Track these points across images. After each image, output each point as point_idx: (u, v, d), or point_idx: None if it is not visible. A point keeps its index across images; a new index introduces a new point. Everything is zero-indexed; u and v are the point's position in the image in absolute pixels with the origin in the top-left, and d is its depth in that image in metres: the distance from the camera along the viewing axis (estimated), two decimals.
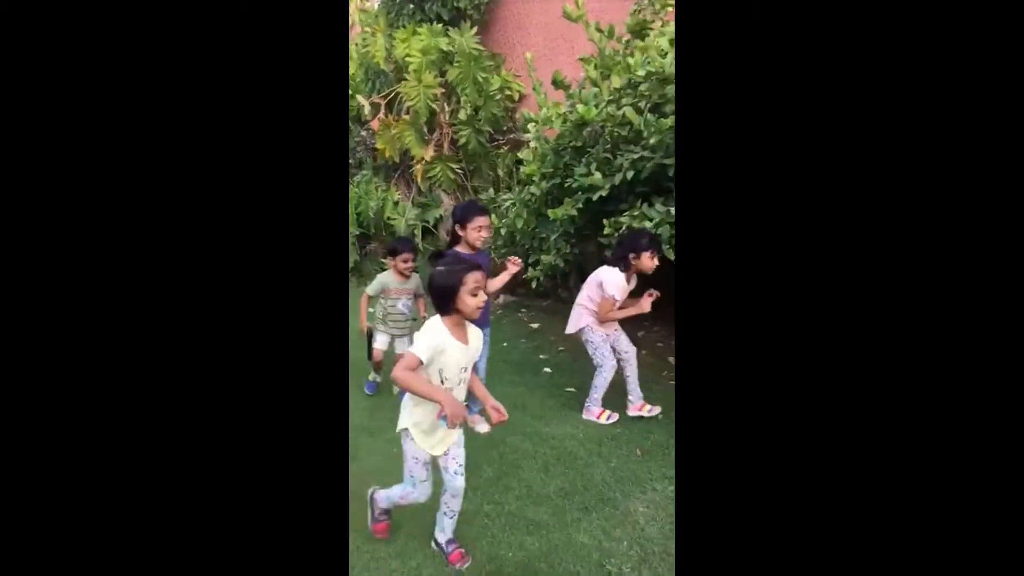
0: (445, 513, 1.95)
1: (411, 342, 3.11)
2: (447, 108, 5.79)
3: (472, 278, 1.73)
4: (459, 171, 5.71)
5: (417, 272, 3.35)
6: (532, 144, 3.60)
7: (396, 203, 5.85)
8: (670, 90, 2.77)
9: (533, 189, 3.62)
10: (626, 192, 3.45)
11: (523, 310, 5.12)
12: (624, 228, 3.10)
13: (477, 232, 2.63)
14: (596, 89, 3.16)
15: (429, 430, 1.83)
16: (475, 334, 1.85)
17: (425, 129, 5.71)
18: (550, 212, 3.33)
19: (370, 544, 2.05)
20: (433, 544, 1.99)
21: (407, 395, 1.82)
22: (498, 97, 5.55)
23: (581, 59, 3.46)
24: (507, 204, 3.86)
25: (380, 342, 3.34)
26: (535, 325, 4.69)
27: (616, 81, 2.99)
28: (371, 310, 3.41)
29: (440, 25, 5.57)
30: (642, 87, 2.97)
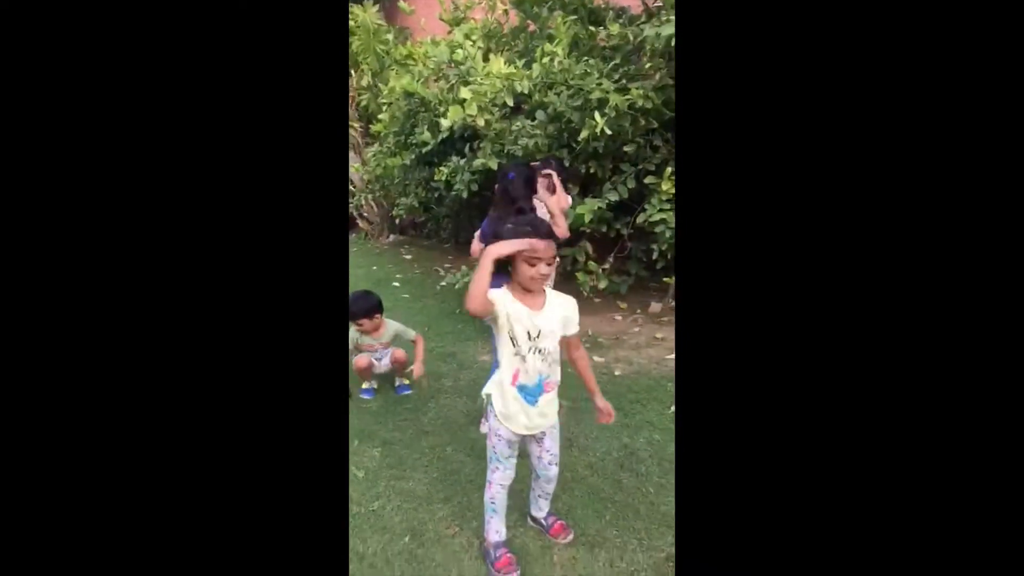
0: (540, 496, 1.92)
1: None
2: (352, 75, 6.76)
3: (537, 245, 1.57)
4: (359, 129, 6.71)
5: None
6: (385, 108, 4.67)
7: None
8: (457, 72, 3.85)
9: (385, 144, 4.70)
10: (449, 148, 4.56)
11: (405, 246, 6.24)
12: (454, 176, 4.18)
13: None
14: (421, 67, 4.22)
15: (505, 404, 1.69)
16: (557, 304, 1.70)
17: None
18: (388, 160, 4.41)
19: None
20: (530, 521, 1.97)
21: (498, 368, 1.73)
22: (393, 67, 6.53)
23: (421, 42, 4.50)
24: (370, 155, 4.92)
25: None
26: (408, 256, 5.83)
27: (431, 63, 4.06)
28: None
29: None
30: (450, 70, 4.05)
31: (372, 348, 2.91)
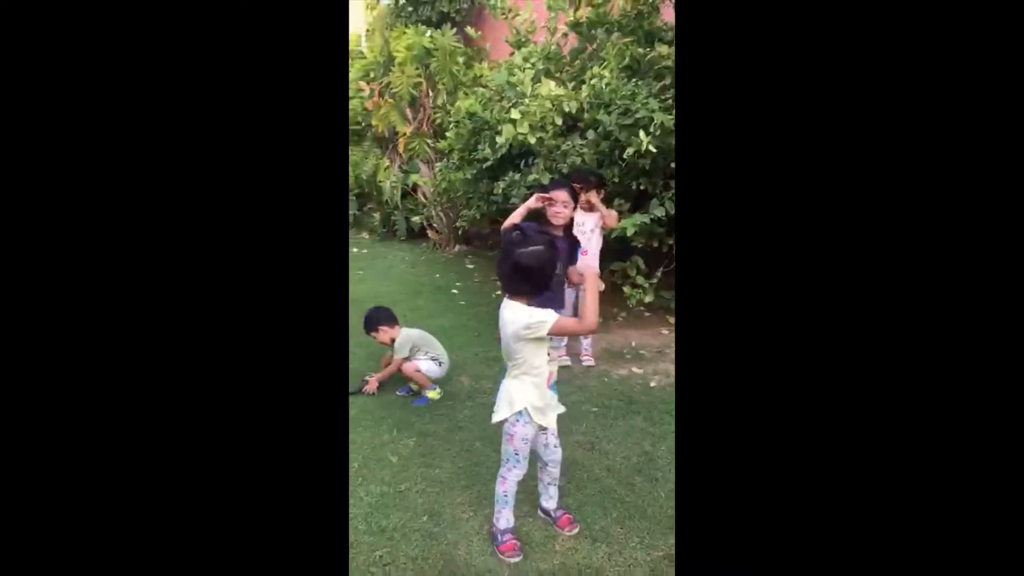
0: (549, 484, 2.04)
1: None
2: (430, 94, 7.17)
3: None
4: (431, 145, 7.09)
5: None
6: (452, 126, 4.97)
7: (386, 168, 7.31)
8: (515, 94, 4.08)
9: (451, 160, 4.99)
10: (508, 164, 4.77)
11: (470, 256, 6.52)
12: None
13: (554, 208, 2.59)
14: (483, 89, 4.48)
15: (543, 406, 1.85)
16: None
17: (409, 111, 7.11)
18: (451, 175, 4.69)
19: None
20: (540, 512, 2.08)
21: (513, 380, 1.85)
22: (463, 88, 6.88)
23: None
24: (437, 169, 5.24)
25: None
26: (470, 266, 6.09)
27: (492, 85, 4.31)
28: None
29: (423, 26, 6.94)
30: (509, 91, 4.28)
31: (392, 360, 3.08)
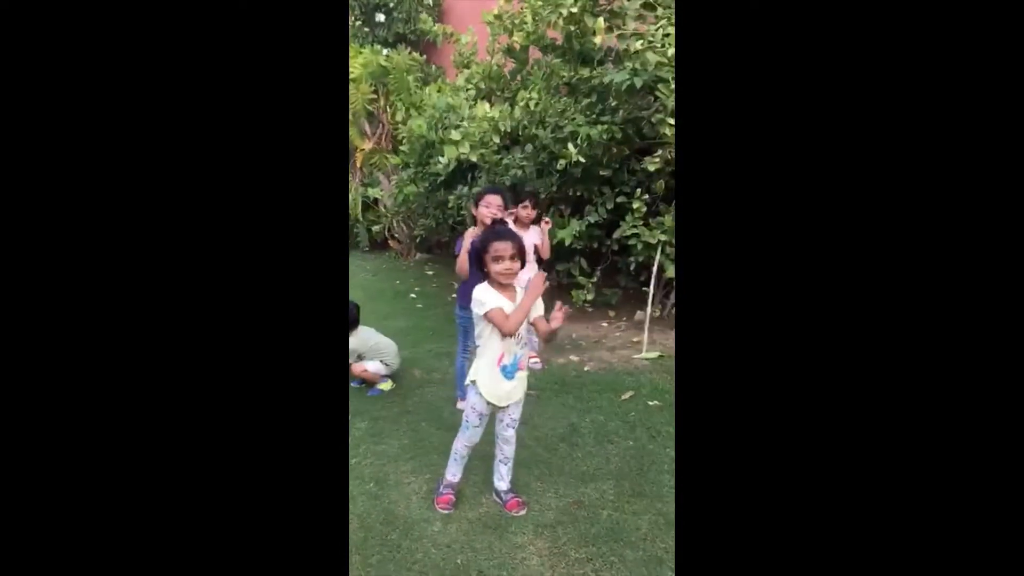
0: (501, 462, 2.25)
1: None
2: (388, 110, 7.51)
3: (497, 246, 2.00)
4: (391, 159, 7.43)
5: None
6: (404, 142, 5.32)
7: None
8: (456, 116, 4.44)
9: (406, 173, 5.33)
10: (459, 177, 5.13)
11: (430, 264, 6.85)
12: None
13: (486, 208, 2.88)
14: (431, 110, 4.85)
15: (492, 384, 2.10)
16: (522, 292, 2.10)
17: (368, 127, 7.44)
18: (406, 188, 5.03)
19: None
20: (493, 495, 2.25)
21: (476, 356, 2.16)
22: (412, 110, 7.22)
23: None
24: (395, 182, 5.57)
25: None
26: (429, 272, 6.42)
27: (435, 108, 4.67)
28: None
29: (379, 46, 7.30)
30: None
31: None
